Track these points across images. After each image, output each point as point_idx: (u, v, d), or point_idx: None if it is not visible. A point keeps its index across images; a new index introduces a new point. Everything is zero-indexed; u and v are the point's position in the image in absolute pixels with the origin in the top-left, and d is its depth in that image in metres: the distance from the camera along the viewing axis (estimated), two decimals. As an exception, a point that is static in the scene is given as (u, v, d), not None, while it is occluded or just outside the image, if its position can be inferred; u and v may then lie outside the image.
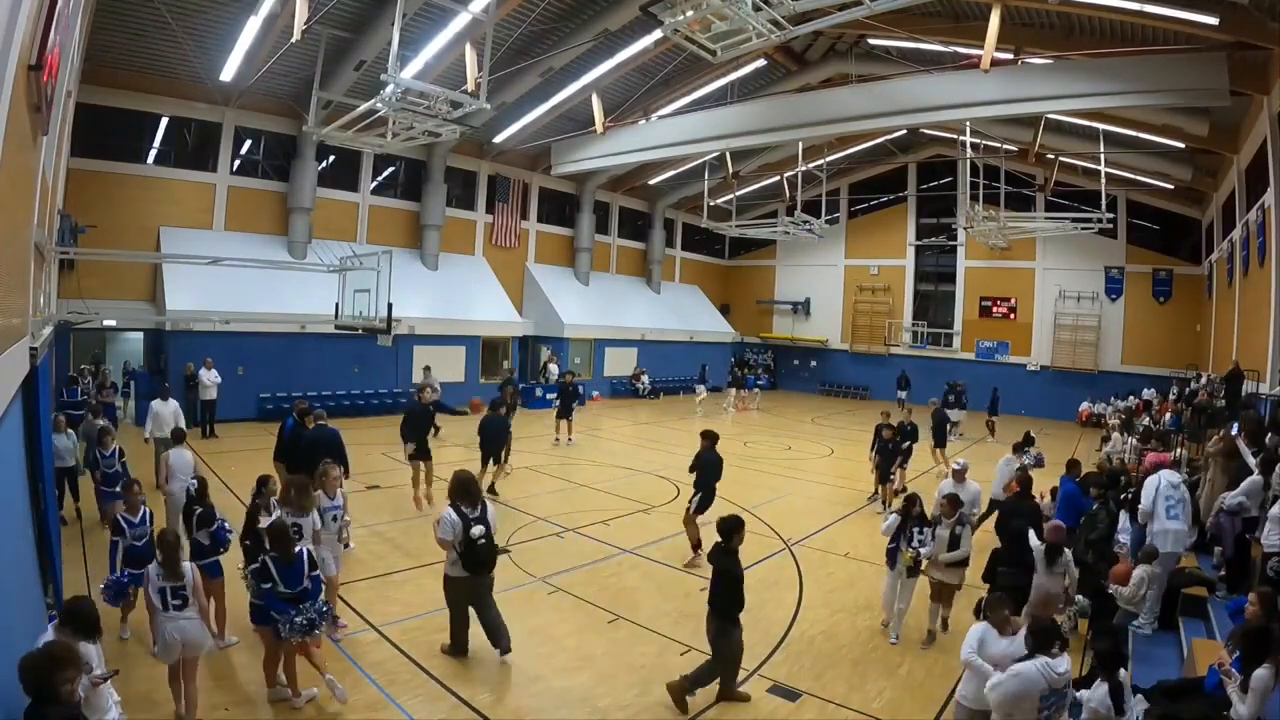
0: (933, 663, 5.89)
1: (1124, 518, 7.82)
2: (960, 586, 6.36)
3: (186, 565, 4.53)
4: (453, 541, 5.34)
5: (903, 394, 22.64)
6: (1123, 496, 7.88)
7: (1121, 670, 3.94)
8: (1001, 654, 4.04)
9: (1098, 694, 3.76)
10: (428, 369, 17.02)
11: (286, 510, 5.62)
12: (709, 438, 8.32)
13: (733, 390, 24.29)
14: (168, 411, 10.03)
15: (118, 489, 6.90)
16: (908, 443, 11.56)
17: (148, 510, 5.76)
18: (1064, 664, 3.72)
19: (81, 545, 7.28)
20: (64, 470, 7.81)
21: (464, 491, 5.53)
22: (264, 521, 5.40)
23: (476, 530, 5.32)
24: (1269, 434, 8.05)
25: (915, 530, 6.17)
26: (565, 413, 15.44)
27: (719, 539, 5.22)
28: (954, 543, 6.16)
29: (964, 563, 6.27)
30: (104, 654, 3.70)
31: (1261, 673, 3.64)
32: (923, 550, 6.12)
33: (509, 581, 7.33)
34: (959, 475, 7.69)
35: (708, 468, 8.21)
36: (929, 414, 14.00)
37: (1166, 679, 4.62)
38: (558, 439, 15.47)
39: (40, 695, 2.69)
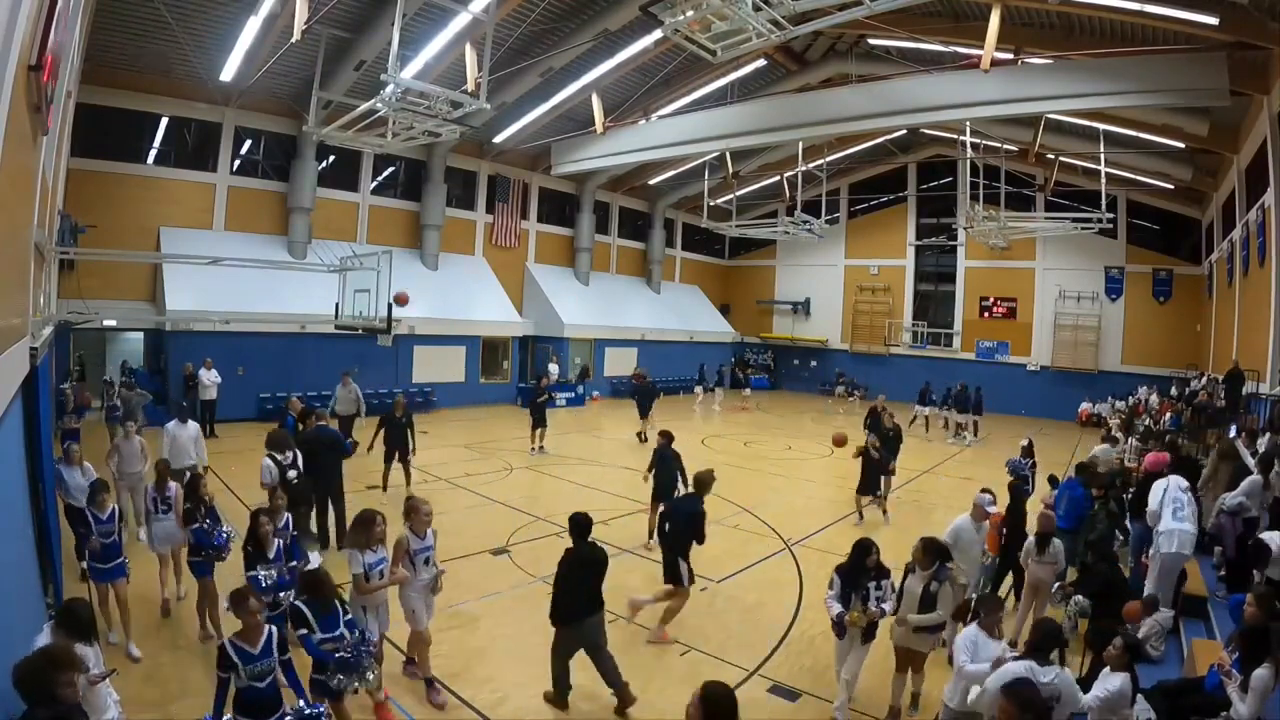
0: (932, 663, 5.88)
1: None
2: (931, 651, 5.10)
3: (173, 485, 6.27)
4: (273, 484, 6.73)
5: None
6: (1124, 495, 7.86)
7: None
8: (991, 657, 3.97)
9: (1116, 682, 3.73)
10: (346, 374, 13.47)
11: (353, 548, 4.88)
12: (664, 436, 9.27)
13: (719, 391, 24.41)
14: (187, 437, 8.47)
15: (116, 564, 5.54)
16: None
17: (272, 632, 3.74)
18: (1053, 674, 3.54)
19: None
20: (78, 511, 6.25)
21: (277, 444, 7.21)
22: (266, 528, 5.17)
23: (291, 473, 7.00)
24: (1265, 434, 8.05)
25: (871, 585, 4.83)
26: (644, 411, 16.19)
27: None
28: (928, 601, 4.80)
29: (939, 627, 5.01)
30: (101, 655, 3.70)
31: (1262, 673, 3.63)
32: (884, 606, 4.84)
33: (510, 581, 7.35)
34: (981, 513, 6.11)
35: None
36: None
37: (1166, 679, 4.62)
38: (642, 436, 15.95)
39: (36, 698, 2.63)
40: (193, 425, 8.75)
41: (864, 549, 4.90)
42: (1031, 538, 6.02)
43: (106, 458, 7.61)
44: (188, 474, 6.91)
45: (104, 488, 5.87)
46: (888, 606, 4.86)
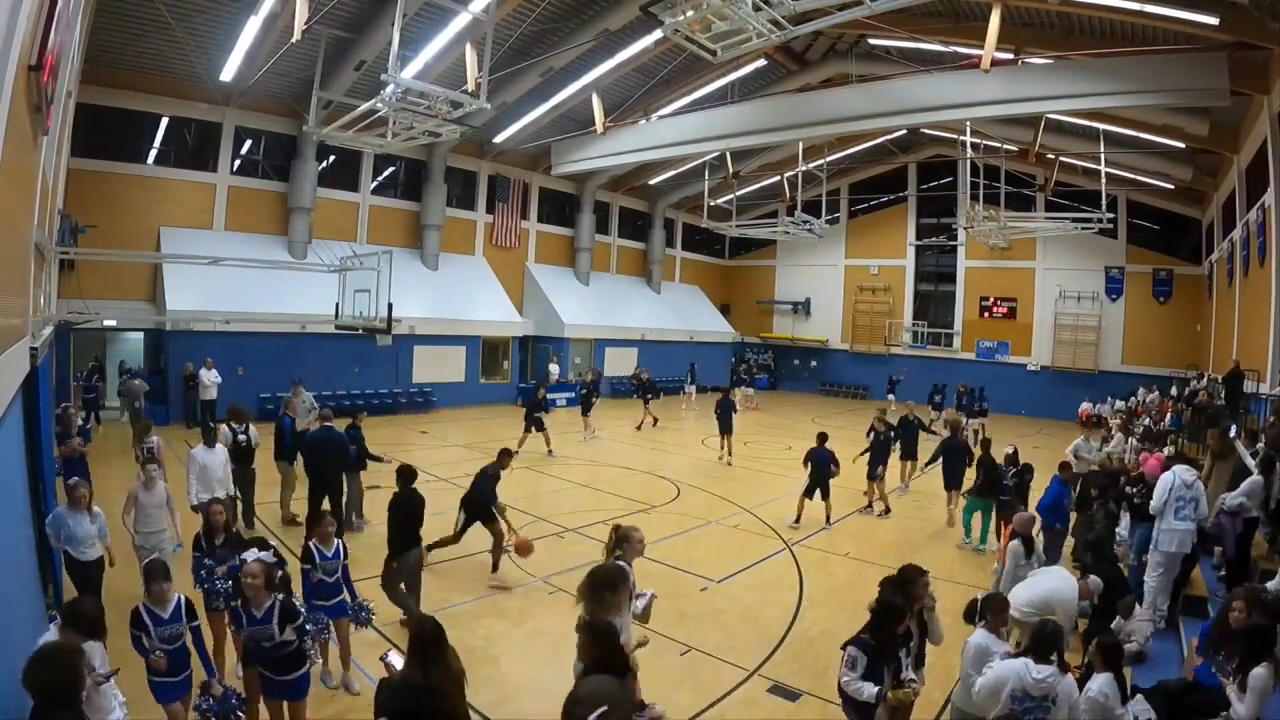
0: (932, 664, 5.87)
1: (1124, 518, 7.84)
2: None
3: (155, 439, 8.05)
4: (227, 446, 7.90)
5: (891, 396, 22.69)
6: (1131, 490, 7.83)
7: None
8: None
9: (1098, 682, 3.74)
10: (298, 383, 12.20)
11: (585, 609, 3.91)
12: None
13: (739, 390, 24.57)
14: (217, 464, 7.34)
15: (188, 675, 4.03)
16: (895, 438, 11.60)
17: None
18: (1048, 673, 3.54)
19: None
20: (83, 565, 5.32)
21: (235, 416, 8.52)
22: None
23: (242, 438, 8.33)
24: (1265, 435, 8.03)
25: (902, 654, 3.99)
26: (586, 409, 16.92)
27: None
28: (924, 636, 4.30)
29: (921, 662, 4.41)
30: (106, 654, 3.69)
31: (1260, 671, 3.64)
32: (914, 679, 4.00)
33: (510, 581, 7.35)
34: (1089, 592, 5.47)
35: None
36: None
37: (1167, 679, 4.62)
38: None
39: (50, 698, 2.51)
40: (221, 450, 7.57)
41: (894, 613, 3.87)
42: (1017, 541, 6.09)
43: (122, 514, 6.12)
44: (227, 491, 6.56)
45: (163, 571, 4.01)
46: (917, 678, 4.02)
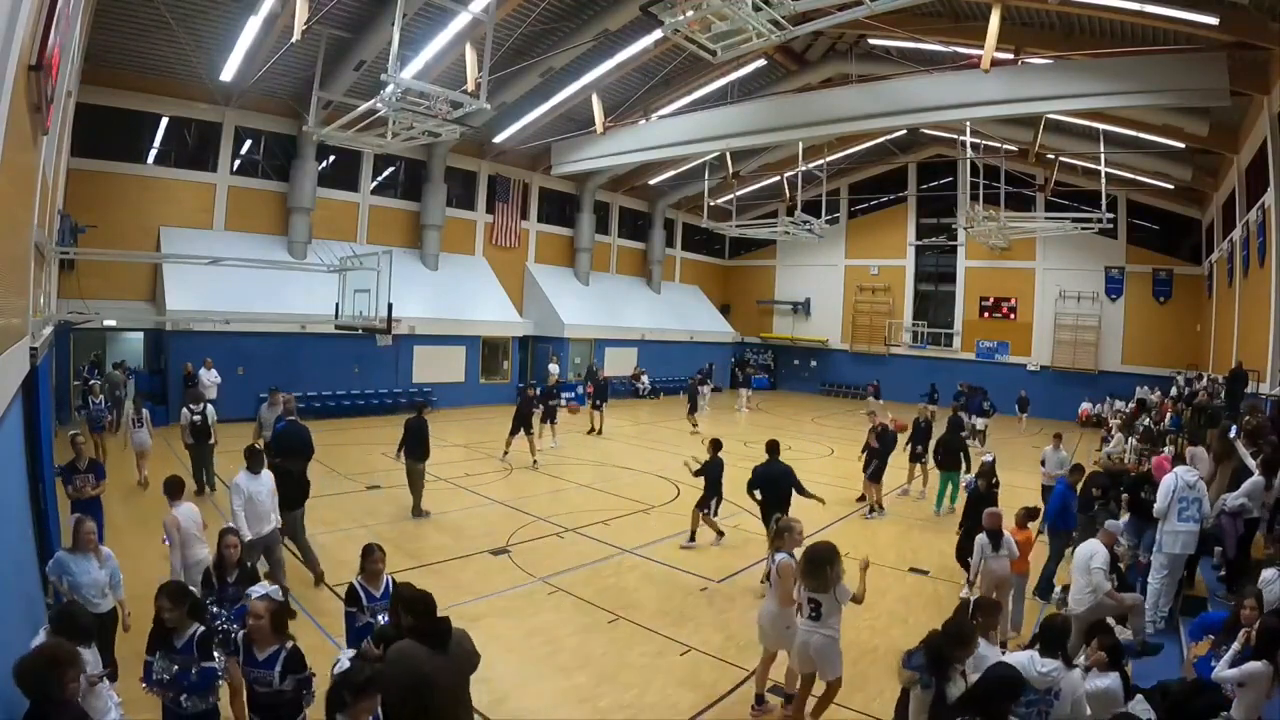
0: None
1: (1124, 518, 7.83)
2: None
3: (145, 412, 10.09)
4: (186, 425, 9.69)
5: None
6: (1140, 494, 7.81)
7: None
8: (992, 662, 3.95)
9: (1104, 682, 3.75)
10: (276, 391, 10.19)
11: (808, 586, 4.54)
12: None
13: (744, 392, 24.54)
14: (264, 492, 6.19)
15: None
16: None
17: None
18: (1052, 666, 3.57)
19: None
20: (96, 619, 4.16)
21: (192, 399, 10.03)
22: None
23: (197, 419, 9.66)
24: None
25: None
26: (549, 416, 15.04)
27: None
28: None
29: None
30: (99, 657, 3.68)
31: (1258, 666, 3.66)
32: None
33: (509, 581, 7.35)
34: (1110, 538, 5.73)
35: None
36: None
37: (1167, 679, 4.62)
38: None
39: (43, 696, 2.64)
40: (267, 477, 6.31)
41: (1015, 691, 3.21)
42: (984, 535, 6.14)
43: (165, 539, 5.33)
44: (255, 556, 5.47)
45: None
46: None
